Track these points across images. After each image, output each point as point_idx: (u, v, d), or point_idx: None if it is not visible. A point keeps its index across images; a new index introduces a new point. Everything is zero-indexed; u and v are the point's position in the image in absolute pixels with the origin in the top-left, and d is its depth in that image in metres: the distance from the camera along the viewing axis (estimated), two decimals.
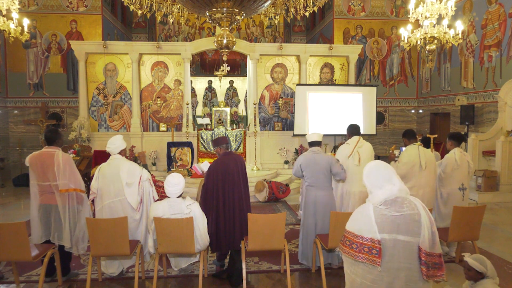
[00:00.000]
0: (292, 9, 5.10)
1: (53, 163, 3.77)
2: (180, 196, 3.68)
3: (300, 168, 4.25)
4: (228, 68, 5.83)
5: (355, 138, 4.60)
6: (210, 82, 12.64)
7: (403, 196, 2.09)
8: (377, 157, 9.19)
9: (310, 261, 4.26)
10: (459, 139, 4.81)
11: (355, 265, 2.11)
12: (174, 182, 3.61)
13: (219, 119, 9.92)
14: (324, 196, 4.16)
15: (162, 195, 4.60)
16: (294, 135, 9.62)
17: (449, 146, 4.79)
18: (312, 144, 4.32)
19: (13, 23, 5.54)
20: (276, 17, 5.48)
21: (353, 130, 4.70)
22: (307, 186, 4.23)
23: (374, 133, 9.90)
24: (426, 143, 5.57)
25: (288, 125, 10.08)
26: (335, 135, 9.45)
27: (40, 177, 3.82)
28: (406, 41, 6.67)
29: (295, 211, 6.80)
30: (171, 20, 5.33)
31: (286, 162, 9.71)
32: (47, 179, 3.79)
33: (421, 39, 6.26)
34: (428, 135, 5.22)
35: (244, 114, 11.60)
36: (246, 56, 10.03)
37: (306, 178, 4.23)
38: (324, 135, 4.68)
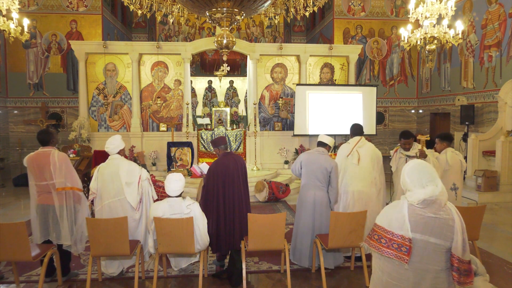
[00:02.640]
0: (292, 9, 5.09)
1: (49, 162, 3.77)
2: (180, 195, 3.69)
3: (300, 165, 4.25)
4: (228, 68, 5.82)
5: (356, 138, 4.61)
6: (210, 82, 12.64)
7: (443, 199, 2.06)
8: None
9: (303, 261, 4.26)
10: (450, 138, 4.79)
11: (382, 261, 2.10)
12: (175, 178, 3.63)
13: (219, 119, 9.92)
14: (322, 196, 4.17)
15: (162, 195, 4.60)
16: (294, 135, 9.62)
17: (441, 147, 4.73)
18: (320, 144, 4.33)
19: (13, 23, 5.54)
20: (276, 17, 5.47)
21: (355, 130, 4.70)
22: (305, 185, 4.23)
23: (374, 133, 9.90)
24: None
25: (288, 125, 10.08)
26: (335, 135, 9.45)
27: (37, 177, 3.82)
28: (406, 41, 6.67)
29: (295, 211, 6.78)
30: (171, 20, 5.32)
31: (286, 162, 9.71)
32: (44, 178, 3.79)
33: (421, 39, 6.26)
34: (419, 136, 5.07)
35: (244, 114, 11.60)
36: (246, 56, 10.03)
37: (305, 176, 4.22)
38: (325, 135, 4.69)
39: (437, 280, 2.04)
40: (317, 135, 4.52)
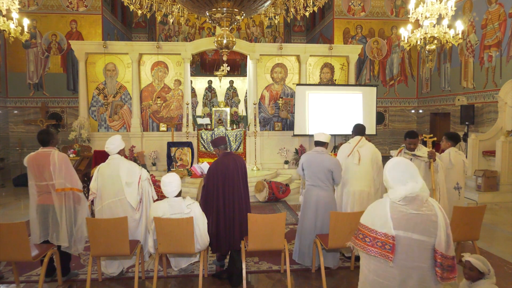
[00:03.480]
0: (292, 9, 5.09)
1: (49, 162, 3.76)
2: (179, 195, 3.69)
3: (302, 167, 4.28)
4: (228, 68, 5.83)
5: (357, 137, 4.61)
6: (210, 82, 12.64)
7: (424, 196, 2.07)
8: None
9: (307, 261, 4.26)
10: (457, 139, 4.80)
11: (368, 259, 2.11)
12: (168, 180, 3.62)
13: (219, 119, 9.92)
14: (325, 196, 4.16)
15: (162, 195, 4.60)
16: (294, 135, 9.62)
17: (445, 146, 4.75)
18: (318, 143, 4.31)
19: (13, 23, 5.53)
20: (276, 17, 5.47)
21: (356, 129, 4.71)
22: (308, 185, 4.24)
23: (374, 133, 9.89)
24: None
25: (288, 125, 10.07)
26: (335, 135, 9.45)
27: (37, 177, 3.81)
28: (406, 41, 6.67)
29: (295, 211, 6.79)
30: (171, 20, 5.32)
31: (286, 162, 9.71)
32: (44, 179, 3.79)
33: (421, 39, 6.26)
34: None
35: (244, 114, 11.60)
36: (246, 56, 10.03)
37: (307, 177, 4.23)
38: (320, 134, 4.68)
39: (424, 278, 2.05)
40: None
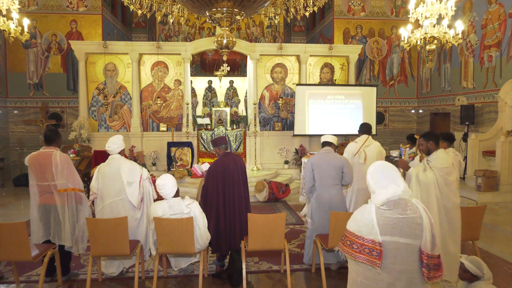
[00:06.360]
0: (292, 9, 5.09)
1: (51, 163, 3.77)
2: (177, 194, 3.68)
3: (311, 168, 4.15)
4: (228, 68, 5.84)
5: (364, 136, 4.64)
6: (210, 82, 12.63)
7: (407, 198, 2.08)
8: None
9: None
10: (452, 139, 4.79)
11: (356, 264, 2.12)
12: (162, 183, 3.60)
13: (219, 119, 9.92)
14: (337, 195, 4.14)
15: (160, 196, 4.61)
16: (294, 135, 9.62)
17: (441, 146, 4.72)
18: (325, 144, 4.32)
19: (13, 23, 5.53)
20: (276, 17, 5.47)
21: (363, 128, 4.72)
22: (319, 186, 4.15)
23: (374, 133, 9.89)
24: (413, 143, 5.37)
25: (288, 125, 10.07)
26: (334, 135, 9.43)
27: (38, 178, 3.82)
28: (406, 41, 6.66)
29: (295, 211, 6.79)
30: (171, 20, 5.32)
31: (286, 162, 9.71)
32: (45, 179, 3.79)
33: (421, 39, 6.25)
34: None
35: (244, 114, 11.59)
36: (246, 56, 10.03)
37: (317, 179, 4.14)
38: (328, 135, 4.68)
39: (412, 280, 2.05)
40: (317, 135, 4.53)
